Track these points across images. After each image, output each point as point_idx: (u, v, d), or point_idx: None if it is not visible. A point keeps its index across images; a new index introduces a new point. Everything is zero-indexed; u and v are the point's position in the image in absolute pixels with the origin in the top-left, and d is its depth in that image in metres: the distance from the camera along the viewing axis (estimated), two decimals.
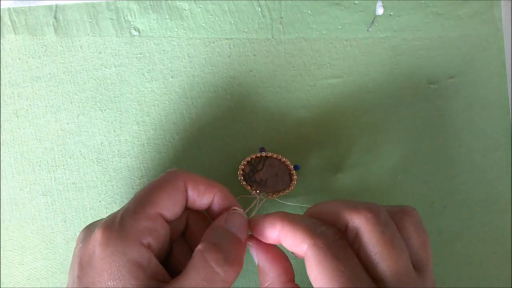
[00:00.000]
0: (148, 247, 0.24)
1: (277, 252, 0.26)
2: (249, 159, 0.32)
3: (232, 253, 0.25)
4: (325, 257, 0.23)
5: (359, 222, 0.24)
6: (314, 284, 0.24)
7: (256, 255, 0.26)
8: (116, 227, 0.24)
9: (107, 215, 0.32)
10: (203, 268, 0.24)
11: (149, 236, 0.24)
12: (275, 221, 0.25)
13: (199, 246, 0.25)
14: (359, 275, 0.23)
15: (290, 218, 0.25)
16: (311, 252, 0.23)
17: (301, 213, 0.32)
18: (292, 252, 0.25)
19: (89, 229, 0.26)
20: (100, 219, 0.27)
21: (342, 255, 0.23)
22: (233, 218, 0.26)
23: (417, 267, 0.24)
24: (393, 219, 0.25)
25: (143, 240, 0.24)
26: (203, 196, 0.27)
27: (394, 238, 0.24)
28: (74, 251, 0.26)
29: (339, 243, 0.24)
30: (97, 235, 0.24)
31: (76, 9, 0.34)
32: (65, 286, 0.28)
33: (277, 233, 0.25)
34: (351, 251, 0.24)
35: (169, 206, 0.25)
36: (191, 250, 0.28)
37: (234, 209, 0.27)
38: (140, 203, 0.25)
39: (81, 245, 0.25)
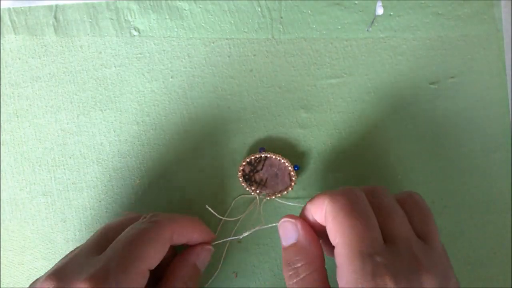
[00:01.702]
0: None
1: (316, 237, 0.27)
2: (249, 159, 0.32)
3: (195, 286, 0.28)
4: (339, 210, 0.24)
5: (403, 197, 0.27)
6: (331, 239, 0.24)
7: (300, 230, 0.26)
8: (111, 285, 0.23)
9: (107, 215, 0.32)
10: None
11: None
12: (308, 204, 0.27)
13: (177, 284, 0.27)
14: (371, 232, 0.23)
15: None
16: (329, 207, 0.24)
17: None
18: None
19: (49, 282, 0.24)
20: (41, 278, 0.25)
21: (357, 210, 0.24)
22: (202, 255, 0.29)
23: (423, 237, 0.25)
24: (399, 203, 0.26)
25: None
26: (183, 240, 0.28)
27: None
28: None
29: (359, 199, 0.25)
30: None
31: (76, 9, 0.34)
32: None
33: (312, 212, 0.26)
34: (370, 210, 0.25)
35: (156, 261, 0.26)
36: None
37: (207, 247, 0.29)
38: (131, 259, 0.24)
39: None
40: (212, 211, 0.31)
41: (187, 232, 0.28)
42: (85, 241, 0.28)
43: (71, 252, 0.27)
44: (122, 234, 0.26)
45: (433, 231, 0.26)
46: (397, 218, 0.25)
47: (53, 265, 0.26)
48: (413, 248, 0.23)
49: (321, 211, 0.25)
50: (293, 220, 0.27)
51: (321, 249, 0.26)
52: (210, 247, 0.29)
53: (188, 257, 0.28)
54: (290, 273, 0.25)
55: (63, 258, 0.27)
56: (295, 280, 0.25)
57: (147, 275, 0.25)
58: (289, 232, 0.27)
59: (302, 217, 0.27)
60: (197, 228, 0.29)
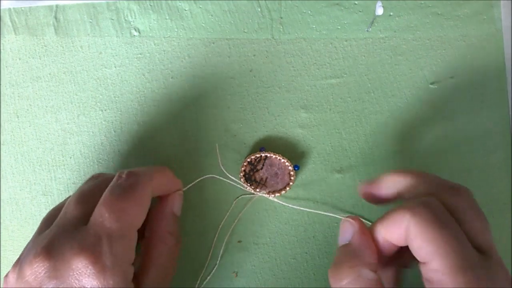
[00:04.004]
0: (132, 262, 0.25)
1: (373, 245, 0.25)
2: (249, 159, 0.32)
3: (178, 231, 0.29)
4: (427, 225, 0.22)
5: (458, 200, 0.24)
6: (418, 256, 0.23)
7: (356, 233, 0.25)
8: (108, 256, 0.23)
9: None
10: (168, 252, 0.27)
11: (133, 253, 0.25)
12: (378, 225, 0.25)
13: (162, 234, 0.27)
14: (464, 243, 0.22)
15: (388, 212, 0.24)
16: (413, 222, 0.22)
17: (300, 214, 0.32)
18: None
19: (40, 262, 0.22)
20: (25, 257, 0.24)
21: (445, 222, 0.23)
22: (176, 202, 0.29)
23: (481, 250, 0.24)
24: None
25: (131, 259, 0.24)
26: (159, 193, 0.29)
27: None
28: None
29: (442, 209, 0.23)
30: (87, 266, 0.22)
31: (77, 9, 0.34)
32: None
33: (385, 232, 0.24)
34: (453, 220, 0.23)
35: (143, 219, 0.26)
36: None
37: (178, 193, 0.30)
38: (122, 223, 0.24)
39: (54, 281, 0.22)
40: (226, 172, 0.31)
41: (162, 186, 0.28)
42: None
43: (46, 224, 0.26)
44: (104, 198, 0.25)
45: (492, 241, 0.25)
46: (488, 232, 0.24)
47: (29, 241, 0.25)
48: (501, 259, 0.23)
49: (399, 229, 0.23)
50: (352, 221, 0.25)
51: (375, 258, 0.24)
52: (181, 191, 0.30)
53: (166, 208, 0.29)
54: (334, 274, 0.24)
55: (42, 232, 0.25)
56: (337, 285, 0.23)
57: (137, 234, 0.25)
58: (345, 232, 0.25)
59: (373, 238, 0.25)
60: (170, 179, 0.29)
